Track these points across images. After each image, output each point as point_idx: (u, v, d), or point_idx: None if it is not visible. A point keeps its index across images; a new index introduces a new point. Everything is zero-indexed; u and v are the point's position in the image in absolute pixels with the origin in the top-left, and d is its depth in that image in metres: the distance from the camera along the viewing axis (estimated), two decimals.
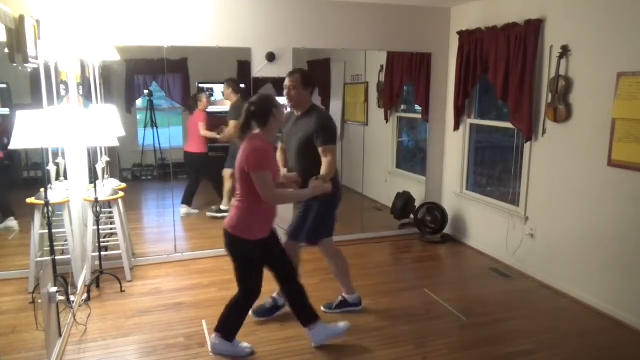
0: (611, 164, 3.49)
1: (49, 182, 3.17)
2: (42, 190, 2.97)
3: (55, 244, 2.96)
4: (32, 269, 3.09)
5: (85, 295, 3.71)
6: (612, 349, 3.18)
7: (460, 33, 4.89)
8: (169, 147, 5.13)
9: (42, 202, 2.93)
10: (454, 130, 5.17)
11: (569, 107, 3.82)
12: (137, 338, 3.22)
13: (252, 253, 2.87)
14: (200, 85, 5.33)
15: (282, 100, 5.34)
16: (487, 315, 3.58)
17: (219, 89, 5.39)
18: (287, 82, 3.26)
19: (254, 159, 2.70)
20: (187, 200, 5.38)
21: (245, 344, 3.03)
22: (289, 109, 3.39)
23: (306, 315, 3.07)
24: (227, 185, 5.36)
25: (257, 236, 2.85)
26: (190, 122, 5.34)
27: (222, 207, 5.41)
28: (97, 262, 3.96)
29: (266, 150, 2.78)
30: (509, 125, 4.42)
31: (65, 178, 3.52)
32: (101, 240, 3.98)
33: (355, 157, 5.61)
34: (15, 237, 3.24)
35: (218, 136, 5.30)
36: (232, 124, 5.06)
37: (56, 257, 2.95)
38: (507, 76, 4.27)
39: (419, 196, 5.44)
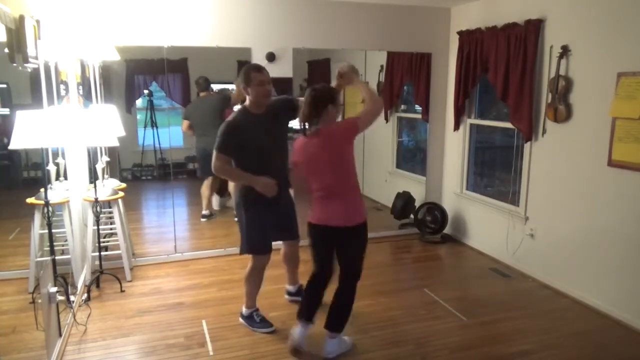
0: (611, 164, 3.49)
1: (49, 182, 3.17)
2: (42, 190, 2.96)
3: (55, 244, 2.96)
4: (32, 269, 3.09)
5: (85, 295, 3.71)
6: (612, 349, 3.18)
7: (460, 33, 4.89)
8: (169, 147, 5.13)
9: (42, 202, 2.93)
10: (454, 130, 5.17)
11: (569, 107, 3.82)
12: (137, 338, 3.22)
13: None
14: None
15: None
16: (487, 315, 3.58)
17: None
18: (263, 77, 3.04)
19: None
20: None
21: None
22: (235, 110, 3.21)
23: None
24: (207, 191, 5.32)
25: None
26: None
27: (205, 212, 5.42)
28: (97, 262, 3.96)
29: None
30: (509, 125, 4.42)
31: (65, 178, 3.52)
32: (101, 240, 3.98)
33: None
34: (15, 237, 3.24)
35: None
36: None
37: (56, 257, 2.95)
38: (507, 76, 4.27)
39: (419, 196, 5.44)
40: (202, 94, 5.10)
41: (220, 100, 4.99)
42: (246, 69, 3.08)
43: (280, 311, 3.58)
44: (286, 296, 3.77)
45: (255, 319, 3.34)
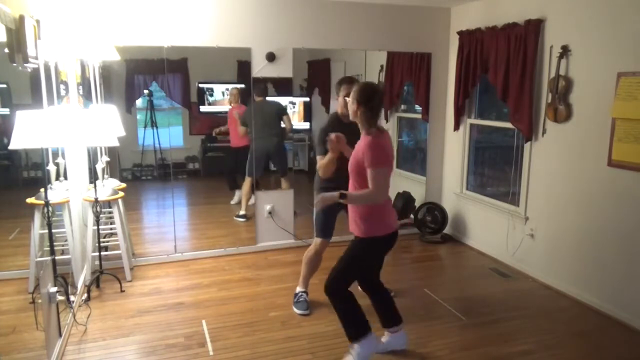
0: (611, 164, 3.49)
1: (49, 182, 3.17)
2: (42, 190, 2.96)
3: (55, 244, 2.96)
4: (32, 269, 3.08)
5: (85, 295, 3.71)
6: (612, 349, 3.19)
7: (460, 33, 4.89)
8: (169, 147, 5.13)
9: (42, 202, 2.93)
10: (454, 130, 5.17)
11: (569, 107, 3.82)
12: (137, 338, 3.22)
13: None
14: (200, 85, 5.33)
15: (282, 100, 5.33)
16: (487, 315, 3.58)
17: (219, 89, 5.39)
18: (347, 90, 3.20)
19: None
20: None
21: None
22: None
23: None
24: (250, 192, 5.29)
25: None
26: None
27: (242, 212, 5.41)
28: (97, 262, 3.96)
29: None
30: (509, 125, 4.42)
31: (65, 178, 3.52)
32: (101, 240, 3.98)
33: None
34: (15, 237, 3.24)
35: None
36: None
37: (56, 257, 2.95)
38: (507, 76, 4.27)
39: (419, 196, 5.44)
40: (257, 98, 5.06)
41: (279, 107, 5.15)
42: (341, 79, 3.40)
43: (279, 311, 3.58)
44: None
45: (298, 298, 3.63)
